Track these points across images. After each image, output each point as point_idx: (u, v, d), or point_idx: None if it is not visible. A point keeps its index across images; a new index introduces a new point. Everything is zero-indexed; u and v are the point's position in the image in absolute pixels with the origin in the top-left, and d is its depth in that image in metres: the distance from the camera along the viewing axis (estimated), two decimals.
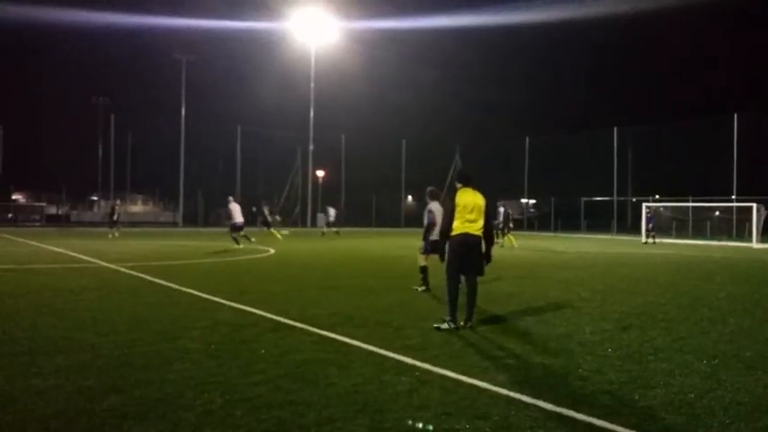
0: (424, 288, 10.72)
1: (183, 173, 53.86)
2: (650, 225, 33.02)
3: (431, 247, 10.39)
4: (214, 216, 55.90)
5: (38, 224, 48.05)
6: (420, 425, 4.18)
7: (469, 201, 7.54)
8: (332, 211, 36.17)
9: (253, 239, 23.29)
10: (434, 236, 10.51)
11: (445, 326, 7.30)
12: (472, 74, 66.94)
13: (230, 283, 11.65)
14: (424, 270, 10.84)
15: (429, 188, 11.19)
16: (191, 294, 10.09)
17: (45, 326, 7.26)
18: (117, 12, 54.17)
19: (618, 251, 25.39)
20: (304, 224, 55.90)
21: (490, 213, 7.80)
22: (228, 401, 4.58)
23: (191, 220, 54.15)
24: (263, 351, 6.13)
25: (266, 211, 30.53)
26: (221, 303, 9.15)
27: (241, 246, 21.65)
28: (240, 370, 5.43)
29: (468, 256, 7.53)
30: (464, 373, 5.40)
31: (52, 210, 56.18)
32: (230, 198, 23.98)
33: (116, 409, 4.36)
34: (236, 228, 22.48)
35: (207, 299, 9.60)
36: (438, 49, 64.91)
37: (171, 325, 7.44)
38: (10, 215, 51.39)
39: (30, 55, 59.35)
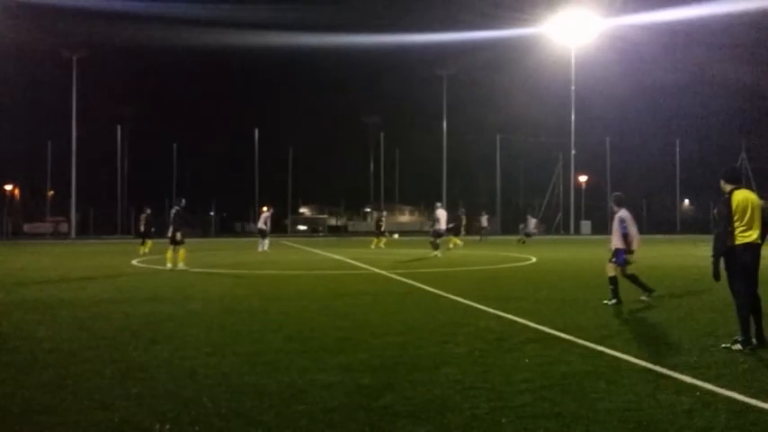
0: (615, 301, 9.89)
1: (446, 184, 55.82)
2: None
3: (623, 259, 10.04)
4: (475, 226, 57.11)
5: (321, 234, 53.38)
6: None
7: (746, 204, 6.61)
8: (533, 221, 34.83)
9: (451, 246, 22.32)
10: (635, 246, 10.05)
11: (738, 346, 6.47)
12: (760, 60, 59.39)
13: (493, 291, 11.78)
14: (614, 281, 10.07)
15: (615, 193, 10.58)
16: (455, 301, 10.41)
17: (330, 327, 8.03)
18: (380, 33, 58.31)
19: None
20: (567, 231, 54.39)
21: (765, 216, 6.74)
22: (494, 408, 4.62)
23: (454, 229, 55.95)
24: (527, 360, 6.09)
25: (463, 219, 29.88)
26: (484, 311, 9.29)
27: (438, 254, 21.48)
28: (505, 377, 5.45)
29: (752, 268, 6.62)
30: (755, 397, 4.80)
31: (333, 221, 62.05)
32: (438, 204, 24.10)
33: (390, 407, 4.66)
34: (437, 234, 22.30)
35: (471, 305, 9.81)
36: (713, 37, 58.78)
37: (438, 330, 7.74)
38: (299, 226, 57.98)
39: (309, 81, 66.73)
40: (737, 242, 6.58)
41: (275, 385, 5.23)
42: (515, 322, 8.28)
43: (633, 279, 10.30)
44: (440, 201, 38.34)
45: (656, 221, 55.52)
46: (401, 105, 62.78)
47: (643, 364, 5.93)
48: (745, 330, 6.54)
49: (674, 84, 58.43)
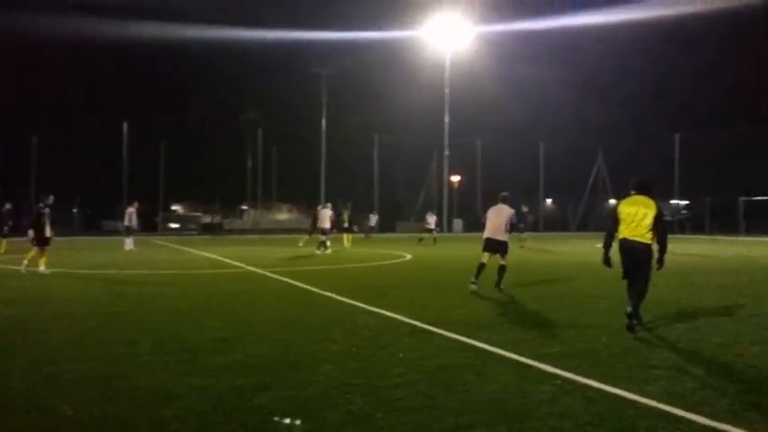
0: (473, 281, 11.21)
1: (325, 182, 55.89)
2: None
3: (483, 245, 11.59)
4: (356, 222, 57.62)
5: (194, 233, 51.69)
6: None
7: (632, 210, 7.83)
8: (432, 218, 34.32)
9: (328, 251, 22.73)
10: (486, 234, 11.58)
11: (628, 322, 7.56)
12: (614, 71, 64.22)
13: (369, 288, 11.94)
14: (480, 267, 11.38)
15: (502, 194, 11.97)
16: (332, 298, 10.46)
17: (204, 327, 7.81)
18: (261, 28, 57.13)
19: None
20: (440, 229, 56.07)
21: (662, 220, 7.79)
22: (369, 403, 4.71)
23: (333, 227, 56.05)
24: (401, 355, 6.24)
25: (345, 216, 29.94)
26: (361, 308, 9.41)
27: (319, 252, 22.29)
28: (380, 373, 5.57)
29: (630, 261, 7.82)
30: (609, 383, 5.20)
31: (207, 219, 60.21)
32: (327, 204, 24.90)
33: (266, 407, 4.62)
34: (322, 232, 23.09)
35: (347, 303, 9.91)
36: (575, 48, 62.95)
37: (315, 328, 7.76)
38: (171, 224, 55.72)
39: (184, 73, 64.45)
40: (620, 237, 7.90)
41: (146, 389, 5.04)
42: (391, 318, 8.45)
43: (481, 267, 11.36)
44: (320, 199, 38.39)
45: (522, 220, 58.28)
46: (279, 102, 62.04)
47: (510, 355, 6.25)
48: (631, 311, 7.64)
49: (539, 89, 61.80)
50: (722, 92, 60.17)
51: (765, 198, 45.40)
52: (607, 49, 60.60)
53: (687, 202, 57.58)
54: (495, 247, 11.44)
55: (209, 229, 54.68)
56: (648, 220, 7.69)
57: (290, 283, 12.81)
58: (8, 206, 23.47)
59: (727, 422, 4.27)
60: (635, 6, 55.01)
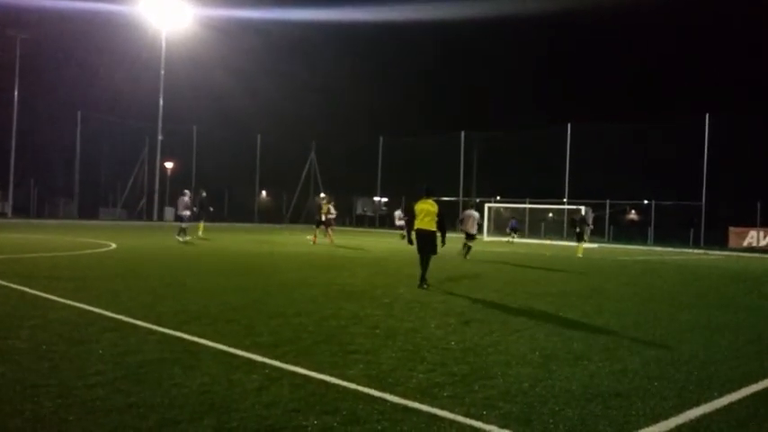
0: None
1: (15, 159, 49.40)
2: (510, 226, 36.21)
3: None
4: (49, 207, 51.92)
5: None
6: (268, 423, 4.14)
7: (423, 208, 11.54)
8: (397, 213, 29.71)
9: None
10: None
11: (424, 286, 11.29)
12: (330, 70, 67.62)
13: (66, 280, 10.87)
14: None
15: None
16: (20, 291, 9.30)
17: None
18: None
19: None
20: (150, 218, 53.31)
21: (442, 214, 11.55)
22: (61, 406, 4.27)
23: (22, 210, 49.87)
24: (101, 351, 5.79)
25: (324, 207, 26.60)
26: (55, 300, 8.52)
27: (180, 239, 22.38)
28: (75, 372, 5.09)
29: (422, 243, 11.50)
30: (314, 369, 5.42)
31: None
32: (186, 192, 24.10)
33: None
34: (180, 219, 23.15)
35: (39, 296, 8.89)
36: (296, 43, 64.92)
37: None
38: None
39: None
40: (416, 228, 11.57)
41: None
42: (89, 312, 7.80)
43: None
44: (9, 180, 33.70)
45: (236, 210, 58.23)
46: None
47: (219, 346, 6.18)
48: (421, 276, 11.42)
49: (260, 81, 62.37)
50: (427, 103, 67.01)
51: (451, 198, 51.40)
52: (330, 49, 63.57)
53: (386, 199, 62.62)
54: None
55: None
56: (433, 216, 11.46)
57: None
58: (203, 193, 24.94)
59: (416, 400, 4.73)
60: (365, 8, 58.47)
